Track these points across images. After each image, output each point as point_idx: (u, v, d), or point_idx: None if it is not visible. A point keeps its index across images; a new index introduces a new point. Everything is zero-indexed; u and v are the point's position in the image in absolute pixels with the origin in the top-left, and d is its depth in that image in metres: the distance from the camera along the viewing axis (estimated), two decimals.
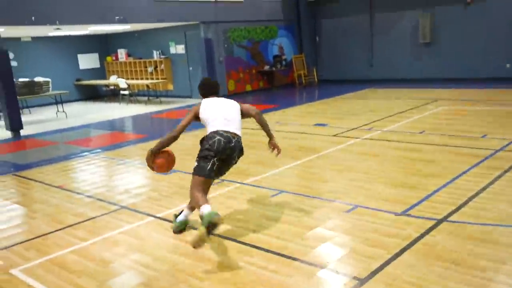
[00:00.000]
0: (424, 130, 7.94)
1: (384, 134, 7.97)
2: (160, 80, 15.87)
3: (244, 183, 5.70)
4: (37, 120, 13.07)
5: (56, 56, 16.67)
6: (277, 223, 4.40)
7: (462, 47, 14.11)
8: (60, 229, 4.67)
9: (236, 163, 4.23)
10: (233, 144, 4.00)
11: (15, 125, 10.42)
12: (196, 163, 3.96)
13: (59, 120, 12.77)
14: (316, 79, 17.20)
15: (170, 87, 16.42)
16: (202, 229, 3.43)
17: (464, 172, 5.47)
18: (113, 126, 11.48)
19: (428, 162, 6.04)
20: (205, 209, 3.58)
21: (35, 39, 15.99)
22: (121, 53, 17.61)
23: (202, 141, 4.08)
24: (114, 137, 9.95)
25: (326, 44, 17.49)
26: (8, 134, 10.58)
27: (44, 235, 4.55)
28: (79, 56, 17.40)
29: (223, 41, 15.12)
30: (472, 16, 13.79)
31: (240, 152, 4.17)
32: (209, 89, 4.44)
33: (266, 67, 16.42)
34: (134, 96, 15.91)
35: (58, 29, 12.61)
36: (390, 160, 6.32)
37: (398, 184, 5.26)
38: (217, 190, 5.40)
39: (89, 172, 7.00)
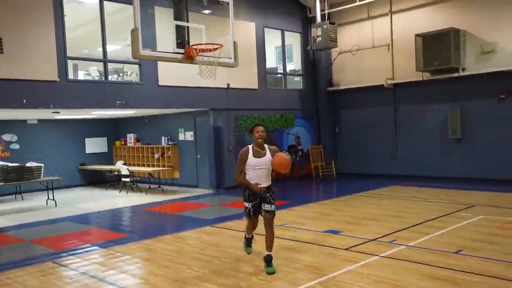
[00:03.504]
0: (461, 249, 6.25)
1: (409, 251, 6.33)
2: (165, 168, 14.80)
3: None
4: (23, 209, 11.91)
5: (62, 140, 15.95)
6: None
7: (498, 144, 12.57)
8: None
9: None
10: None
11: None
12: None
13: (47, 209, 11.59)
14: (334, 172, 15.79)
15: (177, 175, 15.29)
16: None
17: None
18: (97, 219, 10.16)
19: None
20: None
21: (42, 121, 15.44)
22: (130, 138, 16.85)
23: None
24: (89, 236, 8.53)
25: (346, 135, 16.30)
26: None
27: None
28: (87, 140, 16.71)
29: (234, 129, 14.13)
30: (508, 111, 12.44)
31: None
32: None
33: None
34: (136, 183, 14.79)
35: (56, 112, 11.90)
36: None
37: None
38: None
39: None
